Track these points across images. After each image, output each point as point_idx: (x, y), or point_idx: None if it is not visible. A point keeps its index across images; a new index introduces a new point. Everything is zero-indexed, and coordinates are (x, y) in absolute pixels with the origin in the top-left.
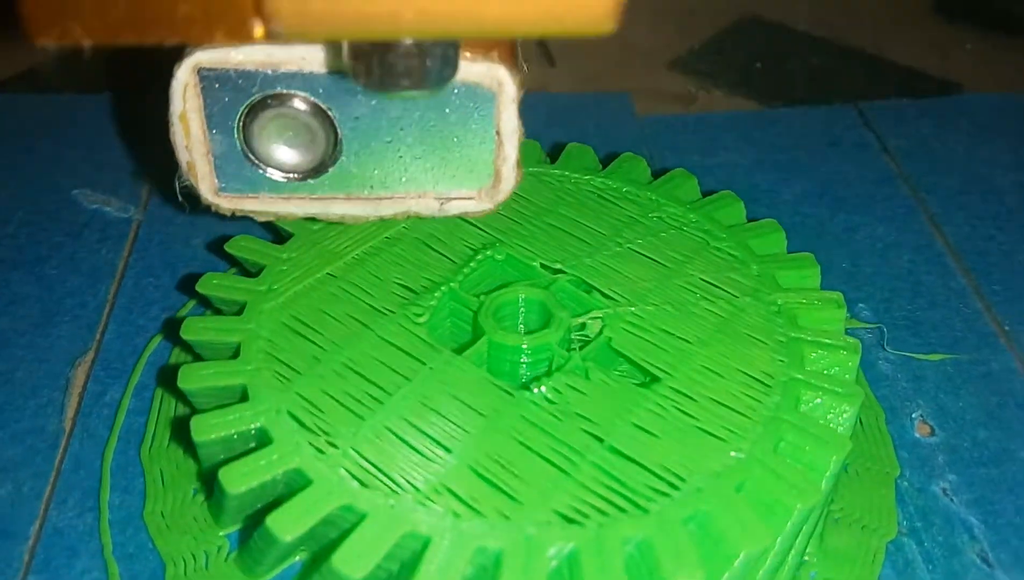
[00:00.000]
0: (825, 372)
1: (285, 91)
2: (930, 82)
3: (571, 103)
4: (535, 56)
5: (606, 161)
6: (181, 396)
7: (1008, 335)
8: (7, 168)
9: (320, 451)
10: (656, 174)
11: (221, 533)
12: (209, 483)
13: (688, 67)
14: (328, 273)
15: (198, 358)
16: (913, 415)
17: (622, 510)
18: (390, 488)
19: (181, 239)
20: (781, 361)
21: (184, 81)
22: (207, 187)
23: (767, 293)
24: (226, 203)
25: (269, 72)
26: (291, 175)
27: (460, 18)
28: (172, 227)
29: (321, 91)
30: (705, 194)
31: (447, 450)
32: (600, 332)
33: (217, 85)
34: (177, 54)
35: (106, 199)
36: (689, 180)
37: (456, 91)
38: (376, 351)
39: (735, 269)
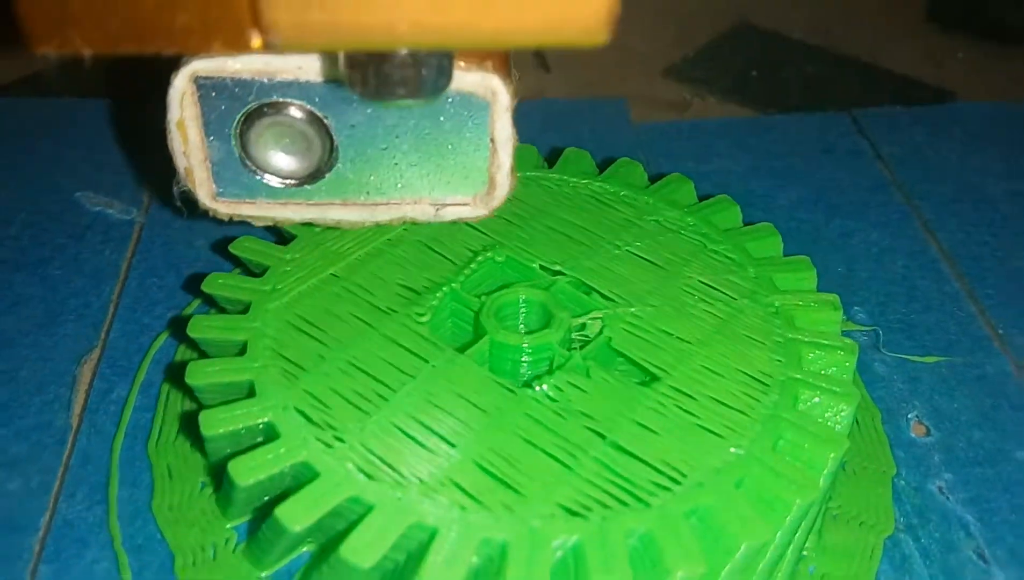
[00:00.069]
0: (823, 372)
1: (281, 99)
2: (924, 90)
3: (567, 109)
4: (531, 63)
5: (602, 166)
6: (188, 392)
7: (1002, 339)
8: (9, 170)
9: (327, 445)
10: (652, 180)
11: (229, 525)
12: (217, 476)
13: (683, 74)
14: (331, 273)
15: (203, 356)
16: (909, 416)
17: (624, 504)
18: (396, 481)
19: (183, 241)
20: (779, 361)
21: (181, 89)
22: (205, 193)
23: (764, 295)
24: (224, 208)
25: (265, 80)
26: (288, 181)
27: (455, 29)
28: (174, 229)
29: (317, 99)
30: (701, 199)
31: (452, 445)
32: (600, 332)
33: (214, 93)
34: (175, 62)
35: (108, 201)
36: (686, 184)
37: (451, 100)
38: (380, 349)
39: (732, 272)
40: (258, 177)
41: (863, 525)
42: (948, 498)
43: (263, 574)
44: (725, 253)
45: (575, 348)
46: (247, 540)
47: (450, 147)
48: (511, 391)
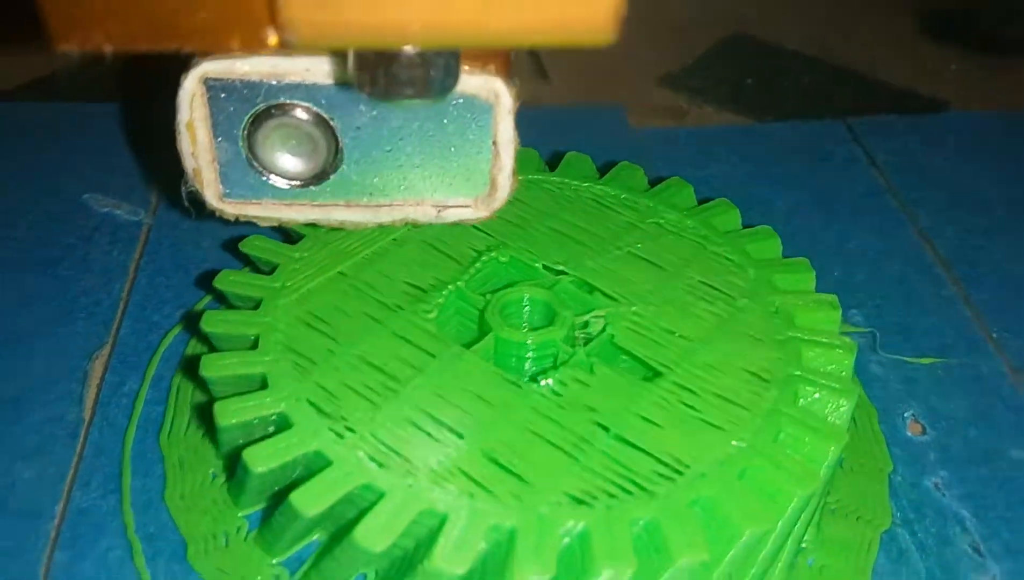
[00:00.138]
0: (822, 369)
1: (289, 101)
2: (918, 100)
3: (565, 115)
4: (529, 71)
5: (602, 171)
6: (198, 386)
7: (996, 342)
8: (18, 173)
9: (339, 435)
10: (651, 184)
11: (240, 514)
12: (230, 467)
13: (679, 83)
14: (339, 272)
15: (215, 350)
16: (905, 415)
17: (629, 493)
18: (407, 469)
19: (191, 241)
20: (779, 358)
21: (191, 91)
22: (212, 193)
23: (764, 295)
24: (230, 209)
25: (274, 83)
26: (293, 182)
27: (465, 28)
28: (181, 230)
29: (324, 101)
30: (700, 203)
31: (460, 436)
32: (603, 330)
33: (223, 95)
34: (184, 64)
35: (116, 203)
36: (685, 188)
37: (454, 102)
38: (388, 345)
39: (733, 272)
40: (264, 178)
41: (860, 519)
42: (944, 494)
43: (274, 561)
44: (725, 254)
45: (578, 345)
46: (259, 528)
47: (453, 149)
48: (517, 386)
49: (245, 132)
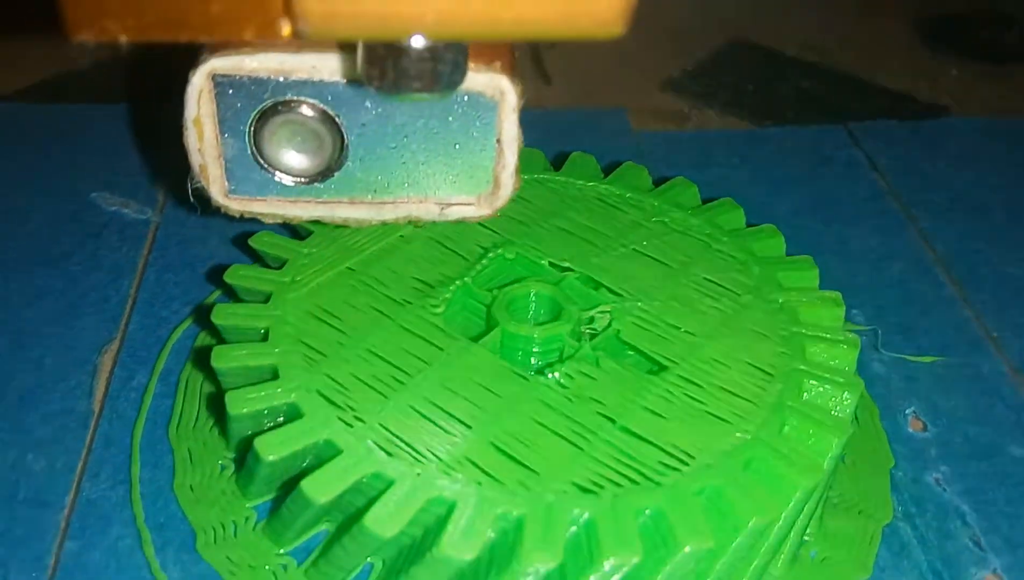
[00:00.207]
0: (826, 364)
1: (295, 98)
2: (917, 106)
3: (568, 118)
4: (532, 75)
5: (606, 172)
6: (207, 379)
7: (996, 341)
8: (27, 173)
9: (348, 425)
10: (655, 185)
11: (248, 505)
12: (240, 457)
13: (681, 88)
14: (348, 267)
15: (223, 343)
16: (907, 412)
17: (635, 483)
18: (415, 458)
19: (198, 239)
20: (784, 353)
21: (199, 87)
22: (218, 189)
23: (769, 292)
24: (236, 205)
25: (281, 79)
26: (299, 179)
27: (477, 19)
28: (189, 228)
29: (330, 98)
30: (704, 202)
31: (467, 427)
32: (609, 325)
33: (231, 91)
34: (192, 61)
35: (124, 202)
36: (690, 188)
37: (460, 100)
38: (396, 338)
39: (737, 270)
40: (270, 175)
41: (862, 513)
42: (945, 489)
43: (282, 551)
44: (730, 252)
45: (584, 340)
46: (267, 518)
47: (457, 146)
48: (524, 378)
49: (251, 128)
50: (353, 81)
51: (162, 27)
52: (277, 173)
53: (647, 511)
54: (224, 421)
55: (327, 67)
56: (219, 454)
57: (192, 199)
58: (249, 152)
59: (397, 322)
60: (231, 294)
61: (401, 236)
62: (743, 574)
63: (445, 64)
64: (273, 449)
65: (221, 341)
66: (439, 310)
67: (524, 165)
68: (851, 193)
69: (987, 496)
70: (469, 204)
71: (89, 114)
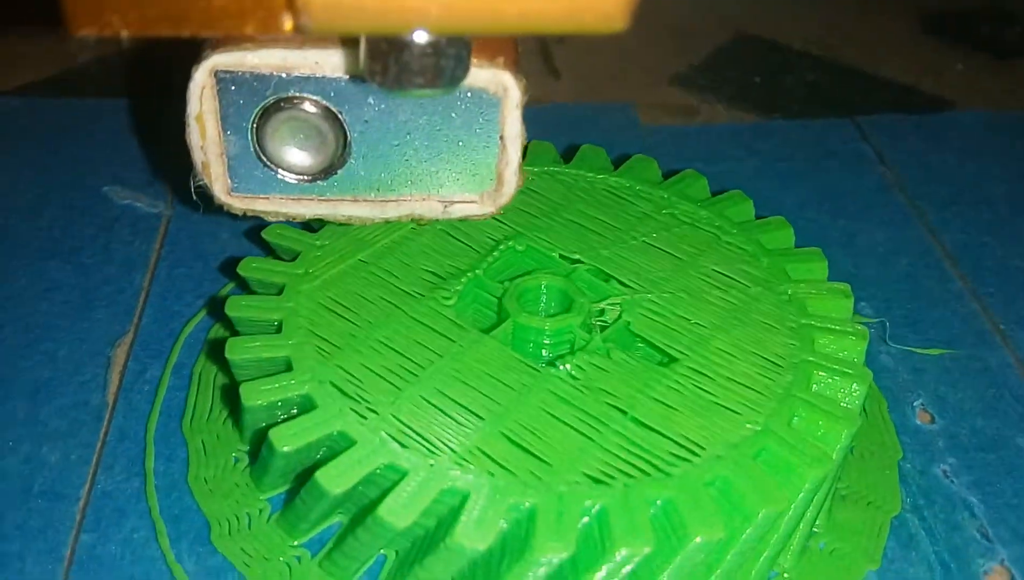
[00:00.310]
0: (835, 355)
1: (298, 94)
2: (923, 100)
3: (577, 113)
4: (541, 70)
5: (615, 165)
6: (221, 372)
7: (1004, 334)
8: (39, 167)
9: (361, 416)
10: (664, 177)
11: (262, 497)
12: (254, 450)
13: (689, 81)
14: (360, 259)
15: (236, 335)
16: (914, 404)
17: (646, 473)
18: (428, 450)
19: (209, 233)
20: (793, 345)
21: (201, 83)
22: (220, 187)
23: (778, 283)
24: (238, 203)
25: (283, 76)
26: (301, 177)
27: (481, 12)
28: (200, 222)
29: (332, 95)
30: (713, 195)
31: (480, 418)
32: (619, 317)
33: (233, 87)
34: (196, 56)
35: (136, 195)
36: (699, 180)
37: (463, 96)
38: (408, 330)
39: (746, 262)
40: (272, 173)
41: (871, 505)
42: (952, 481)
43: (295, 542)
44: (739, 244)
45: (595, 332)
46: (281, 510)
47: (460, 143)
48: (535, 370)
49: (254, 125)
50: (356, 77)
51: (164, 21)
52: (280, 171)
53: (658, 502)
54: (238, 413)
55: (329, 63)
56: (233, 446)
57: (195, 197)
58: (252, 149)
59: (409, 314)
60: (244, 287)
61: (412, 228)
62: (752, 565)
63: (448, 59)
64: (287, 440)
65: (234, 333)
66: (451, 302)
67: (534, 158)
68: (858, 186)
69: (995, 488)
70: (472, 201)
71: (100, 109)
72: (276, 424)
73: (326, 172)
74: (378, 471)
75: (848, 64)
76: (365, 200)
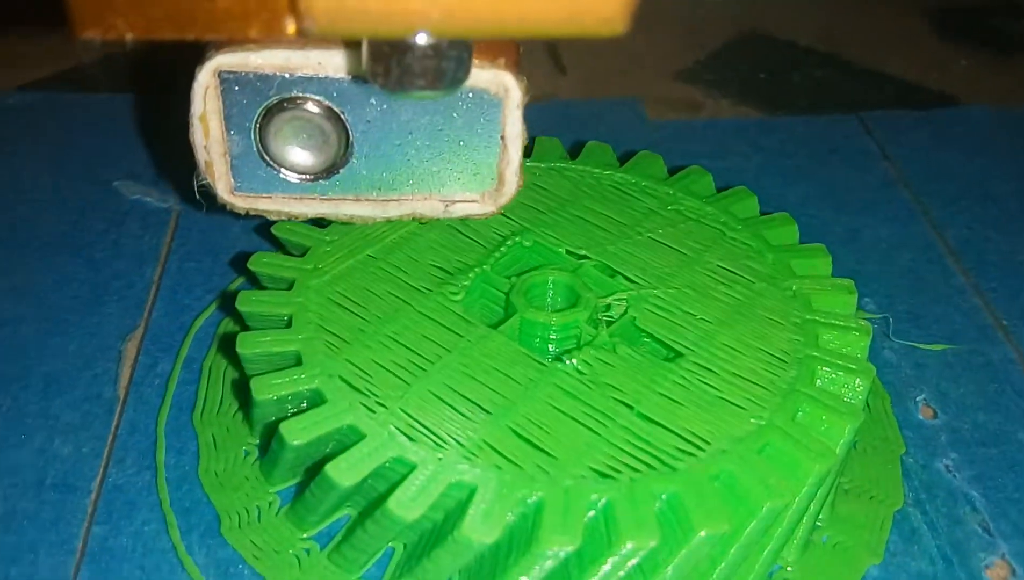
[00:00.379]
0: (839, 350)
1: (301, 94)
2: (927, 95)
3: (583, 108)
4: (547, 65)
5: (621, 161)
6: (231, 366)
7: (1006, 329)
8: (49, 161)
9: (370, 410)
10: (670, 173)
11: (272, 490)
12: (264, 442)
13: (695, 77)
14: (369, 255)
15: (246, 330)
16: (917, 399)
17: (652, 468)
18: (436, 443)
19: (219, 228)
20: (797, 340)
21: (205, 83)
22: (223, 186)
23: (782, 279)
24: (241, 202)
25: (286, 76)
26: (304, 176)
27: (481, 17)
28: (210, 216)
29: (335, 95)
30: (718, 191)
31: (487, 412)
32: (625, 312)
33: (236, 87)
34: (200, 56)
35: (146, 190)
36: (704, 176)
37: (464, 97)
38: (417, 325)
39: (751, 257)
40: (275, 172)
41: (873, 499)
42: (955, 476)
43: (305, 535)
44: (744, 240)
45: (601, 327)
46: (290, 503)
47: (461, 143)
48: (542, 364)
49: (257, 125)
50: (358, 78)
51: (168, 25)
52: (282, 170)
53: (663, 496)
54: (248, 407)
55: (332, 64)
56: (243, 440)
57: (198, 196)
58: (254, 149)
59: (417, 309)
60: (253, 281)
61: (420, 224)
62: (756, 558)
63: (449, 61)
64: (298, 434)
65: (244, 328)
66: (458, 297)
67: (541, 154)
68: (862, 182)
69: (996, 482)
70: (473, 201)
71: (110, 104)
72: (286, 418)
73: (328, 171)
74: (387, 465)
75: (853, 60)
76: (367, 199)
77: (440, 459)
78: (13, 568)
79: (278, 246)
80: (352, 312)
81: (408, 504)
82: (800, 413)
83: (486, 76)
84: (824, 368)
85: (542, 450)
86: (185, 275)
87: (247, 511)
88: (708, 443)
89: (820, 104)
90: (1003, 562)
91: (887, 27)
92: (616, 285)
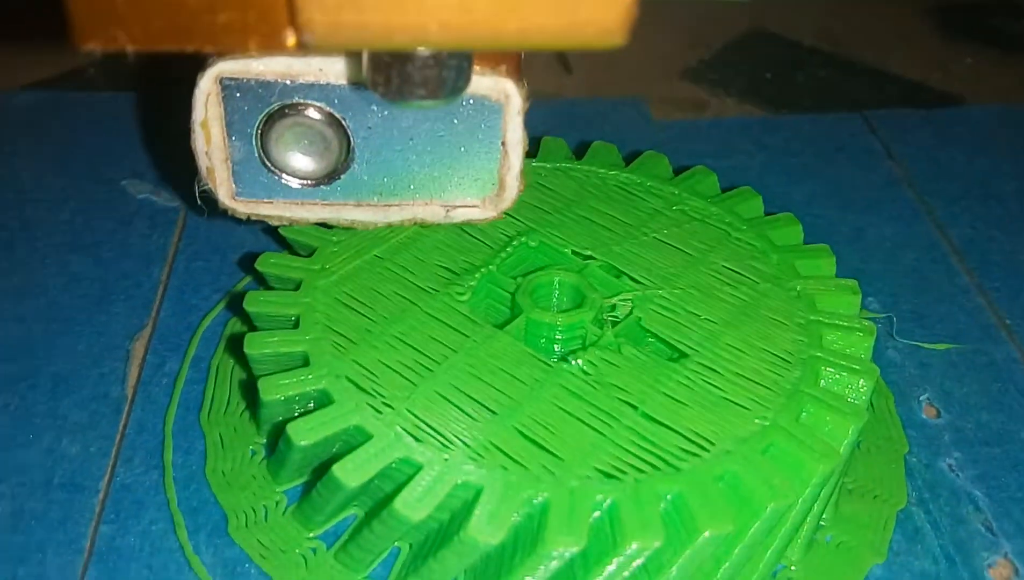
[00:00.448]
0: (843, 351)
1: (302, 101)
2: (931, 94)
3: (588, 107)
4: (552, 64)
5: (626, 161)
6: (238, 366)
7: (1010, 329)
8: (58, 161)
9: (377, 411)
10: (675, 173)
11: (279, 489)
12: (271, 442)
13: (699, 76)
14: (375, 255)
15: (253, 330)
16: (920, 398)
17: (657, 468)
18: (443, 444)
19: (226, 227)
20: (801, 341)
21: (207, 90)
22: (225, 192)
23: (787, 280)
24: (242, 208)
25: (288, 82)
26: (305, 182)
27: (480, 30)
28: (217, 217)
29: (336, 101)
30: (723, 191)
31: (493, 413)
32: (630, 313)
33: (238, 94)
34: (202, 62)
35: (154, 189)
36: (709, 176)
37: (465, 103)
38: (423, 325)
39: (756, 258)
40: (276, 177)
41: (877, 499)
42: (958, 475)
43: (311, 534)
44: (748, 241)
45: (607, 327)
46: (297, 503)
47: (462, 149)
48: (547, 365)
49: (258, 131)
50: (359, 84)
51: (168, 37)
52: (284, 176)
53: (668, 496)
54: (255, 407)
55: (333, 70)
56: (250, 440)
57: (199, 201)
58: (256, 155)
59: (424, 309)
60: (260, 281)
61: (426, 225)
62: (760, 558)
63: (449, 71)
64: (305, 435)
65: (251, 328)
66: (464, 298)
67: (547, 154)
68: (866, 181)
69: (999, 482)
70: (474, 206)
71: (114, 102)
72: (293, 418)
73: (330, 177)
74: (393, 465)
75: (857, 59)
76: (368, 205)
77: (446, 460)
78: (21, 568)
79: (285, 246)
80: (359, 313)
81: (414, 505)
82: (804, 413)
83: (487, 83)
84: (828, 369)
85: (548, 451)
86: (193, 275)
87: (254, 510)
88: (712, 444)
89: (824, 103)
90: (1006, 561)
91: (891, 26)
92: (621, 285)
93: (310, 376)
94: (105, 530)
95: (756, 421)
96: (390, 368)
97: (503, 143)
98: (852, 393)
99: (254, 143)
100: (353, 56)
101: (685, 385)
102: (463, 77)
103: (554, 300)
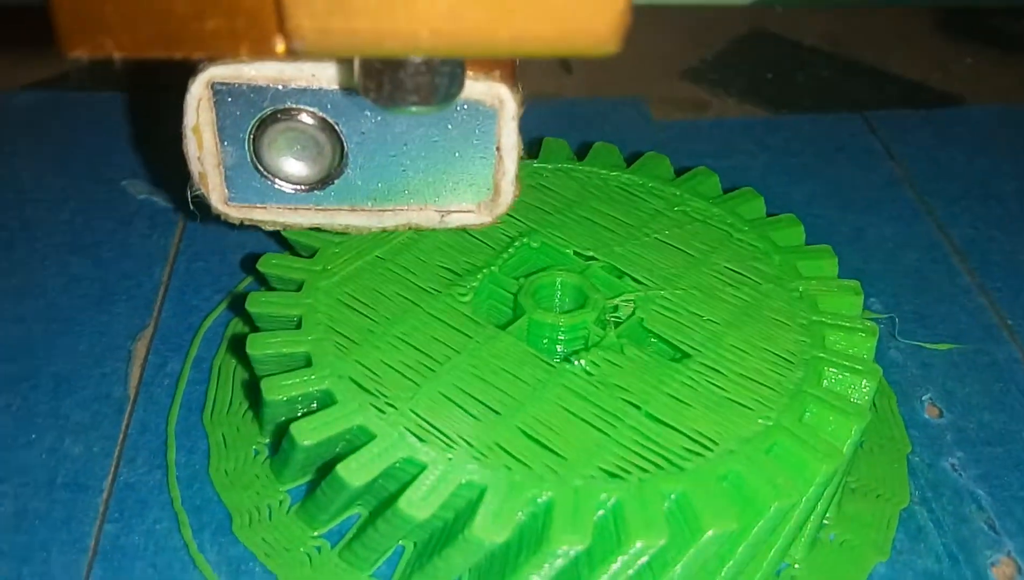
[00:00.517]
0: (845, 351)
1: (295, 106)
2: (931, 94)
3: (589, 108)
4: (553, 65)
5: (627, 161)
6: (241, 366)
7: (1011, 329)
8: (58, 161)
9: (381, 411)
10: (676, 174)
11: (282, 488)
12: (275, 442)
13: (700, 76)
14: (377, 256)
15: (255, 330)
16: (923, 398)
17: (660, 468)
18: (446, 444)
19: (227, 228)
20: (804, 341)
21: (198, 95)
22: (217, 197)
23: (789, 280)
24: (235, 213)
25: (280, 88)
26: (298, 187)
27: (473, 37)
28: (211, 221)
29: (329, 106)
30: (725, 192)
31: (496, 413)
32: (633, 313)
33: (230, 99)
34: (193, 68)
35: (154, 190)
36: (711, 177)
37: (459, 108)
38: (426, 326)
39: (758, 259)
40: (269, 182)
41: (880, 497)
42: (960, 474)
43: (316, 533)
44: (750, 242)
45: (609, 328)
46: (301, 502)
47: (457, 155)
48: (550, 365)
49: (251, 136)
50: (352, 89)
51: (157, 44)
52: (277, 181)
53: (672, 495)
54: (258, 407)
55: (326, 75)
56: (253, 439)
57: (192, 207)
58: (248, 160)
59: (426, 310)
60: (261, 282)
61: None
62: (764, 556)
63: (442, 77)
64: (309, 435)
65: (253, 328)
66: (467, 298)
67: (548, 154)
68: (867, 181)
69: (1001, 481)
70: (469, 211)
71: (114, 102)
72: (296, 418)
73: (323, 182)
74: (397, 465)
75: (858, 60)
76: (362, 210)
77: (450, 459)
78: (25, 567)
79: (287, 247)
80: (361, 313)
81: (419, 504)
82: (807, 413)
83: (481, 88)
84: (831, 369)
85: (551, 450)
86: (194, 275)
87: (258, 509)
88: (716, 443)
89: (825, 103)
90: (1009, 559)
91: (892, 26)
92: (624, 286)
93: (313, 376)
94: (109, 529)
95: (759, 421)
96: (393, 368)
97: (498, 148)
98: (855, 393)
99: (247, 148)
100: (345, 62)
101: (688, 385)
102: (456, 83)
103: (556, 301)
